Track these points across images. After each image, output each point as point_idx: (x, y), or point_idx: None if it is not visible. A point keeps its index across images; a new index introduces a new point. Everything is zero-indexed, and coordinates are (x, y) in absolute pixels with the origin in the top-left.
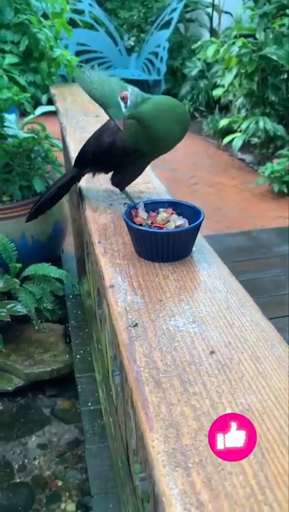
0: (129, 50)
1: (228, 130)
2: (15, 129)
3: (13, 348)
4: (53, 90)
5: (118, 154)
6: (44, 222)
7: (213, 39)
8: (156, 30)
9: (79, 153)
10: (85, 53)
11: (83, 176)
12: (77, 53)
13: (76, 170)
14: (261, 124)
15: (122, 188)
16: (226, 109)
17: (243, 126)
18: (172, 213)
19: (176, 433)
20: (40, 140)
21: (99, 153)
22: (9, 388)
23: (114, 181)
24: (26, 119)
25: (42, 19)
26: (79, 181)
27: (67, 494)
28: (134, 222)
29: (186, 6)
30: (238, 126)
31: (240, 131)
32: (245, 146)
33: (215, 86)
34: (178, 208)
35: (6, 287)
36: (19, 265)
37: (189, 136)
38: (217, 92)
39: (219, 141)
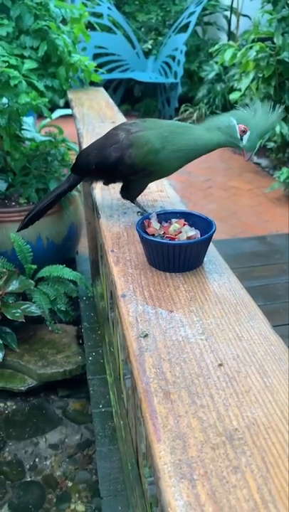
0: (147, 53)
1: None
2: (32, 132)
3: (26, 348)
4: (70, 95)
5: (124, 171)
6: (59, 224)
7: (230, 43)
8: (173, 34)
9: (79, 162)
10: (103, 56)
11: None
12: (95, 56)
13: (75, 177)
14: (277, 129)
15: (132, 200)
16: None
17: None
18: (184, 224)
19: (182, 444)
20: (56, 143)
21: (103, 166)
22: (22, 388)
23: (123, 195)
24: (44, 122)
25: (61, 25)
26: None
27: (77, 495)
28: (147, 233)
29: (204, 9)
30: None
31: None
32: (261, 151)
33: (232, 89)
34: (190, 218)
35: (21, 288)
36: (34, 266)
37: None
38: (234, 96)
39: None
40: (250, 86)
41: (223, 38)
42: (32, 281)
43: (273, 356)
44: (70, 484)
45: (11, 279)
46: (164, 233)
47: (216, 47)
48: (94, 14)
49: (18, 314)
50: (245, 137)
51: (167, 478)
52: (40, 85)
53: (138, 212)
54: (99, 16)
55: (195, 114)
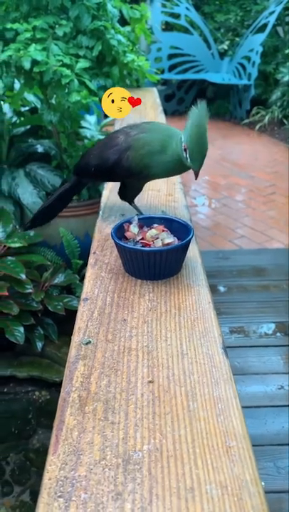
0: (222, 54)
1: None
2: (92, 131)
3: (65, 340)
4: None
5: (121, 173)
6: None
7: None
8: (251, 34)
9: (80, 163)
10: (178, 56)
11: (84, 184)
12: (170, 56)
13: (75, 178)
14: None
15: (129, 202)
16: None
17: None
18: (164, 230)
19: (75, 461)
20: None
21: (101, 168)
22: (57, 379)
23: (121, 196)
24: (105, 121)
25: (118, 25)
26: (80, 190)
27: None
28: (125, 237)
29: (286, 8)
30: None
31: None
32: None
33: None
34: (172, 224)
35: (66, 282)
36: (81, 262)
37: (274, 144)
38: None
39: None
40: None
41: None
42: (77, 276)
43: (211, 378)
44: None
45: (58, 272)
46: (142, 238)
47: None
48: (172, 15)
49: (59, 307)
50: (188, 156)
51: (45, 495)
52: (92, 85)
53: (136, 215)
54: (177, 16)
55: (267, 118)
